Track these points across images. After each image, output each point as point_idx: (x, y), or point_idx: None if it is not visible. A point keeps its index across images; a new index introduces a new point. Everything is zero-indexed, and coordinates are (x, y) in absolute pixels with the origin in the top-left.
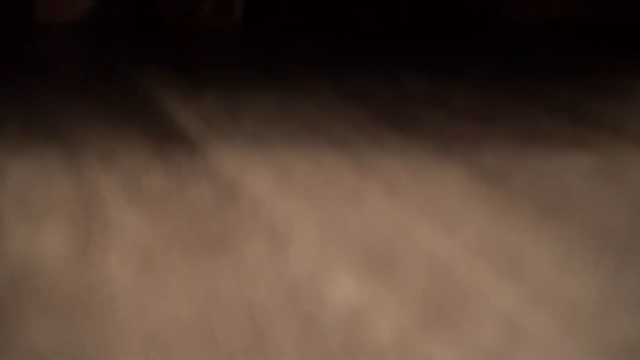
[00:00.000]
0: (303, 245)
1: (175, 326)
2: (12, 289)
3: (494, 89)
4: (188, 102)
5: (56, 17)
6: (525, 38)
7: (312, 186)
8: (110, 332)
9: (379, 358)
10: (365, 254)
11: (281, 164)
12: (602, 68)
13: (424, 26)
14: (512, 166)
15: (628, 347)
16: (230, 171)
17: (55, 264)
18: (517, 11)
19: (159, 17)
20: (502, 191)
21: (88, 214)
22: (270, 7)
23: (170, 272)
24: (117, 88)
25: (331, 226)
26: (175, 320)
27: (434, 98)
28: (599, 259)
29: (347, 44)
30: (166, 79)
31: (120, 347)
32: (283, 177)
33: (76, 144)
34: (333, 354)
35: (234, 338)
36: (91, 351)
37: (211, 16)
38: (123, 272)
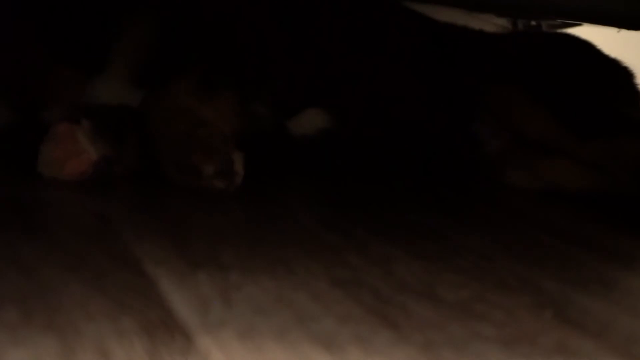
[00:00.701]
0: None
1: None
2: None
3: (483, 278)
4: (183, 284)
5: (59, 174)
6: (519, 206)
7: None
8: None
9: None
10: None
11: None
12: (594, 253)
13: (418, 191)
14: None
15: None
16: None
17: None
18: (514, 176)
19: (163, 173)
20: None
21: None
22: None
23: None
24: (116, 264)
25: None
26: None
27: (423, 289)
28: None
29: (345, 214)
30: (163, 253)
31: None
32: None
33: (72, 339)
34: None
35: None
36: None
37: (213, 178)
38: None
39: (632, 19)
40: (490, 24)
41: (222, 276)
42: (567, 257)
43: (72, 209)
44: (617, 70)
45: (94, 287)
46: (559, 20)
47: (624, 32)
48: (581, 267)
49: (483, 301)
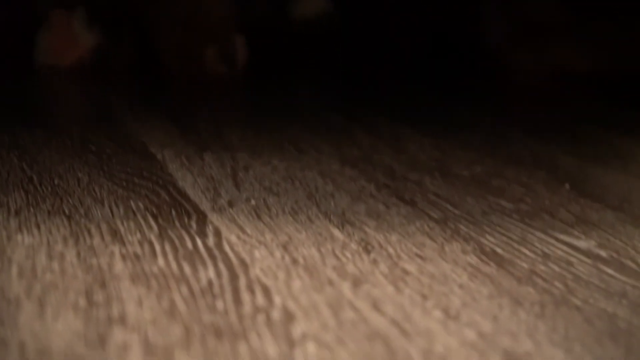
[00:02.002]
0: (305, 329)
1: None
2: None
3: (497, 155)
4: (192, 166)
5: (57, 61)
6: (530, 88)
7: (315, 267)
8: None
9: None
10: (368, 340)
11: (285, 242)
12: (606, 128)
13: (428, 72)
14: (517, 249)
15: None
16: (234, 249)
17: (64, 345)
18: (524, 59)
19: (162, 60)
20: (507, 276)
21: (95, 298)
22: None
23: (170, 359)
24: (122, 148)
25: (333, 310)
26: None
27: (437, 165)
28: (603, 347)
29: (351, 95)
30: (168, 137)
31: None
32: (286, 257)
33: (82, 222)
34: None
35: None
36: None
37: (214, 62)
38: (127, 356)
39: None
40: None
41: (230, 157)
42: (581, 134)
43: (73, 99)
44: None
45: (101, 171)
46: None
47: None
48: (597, 143)
49: (499, 176)
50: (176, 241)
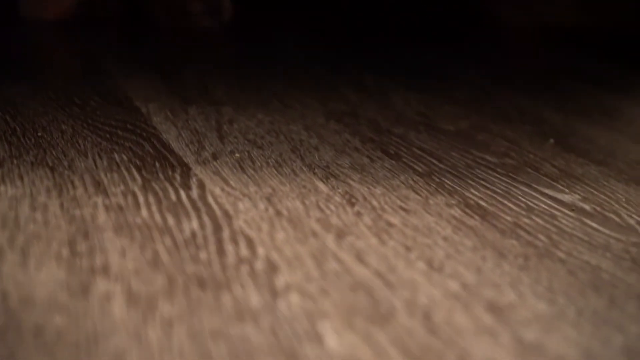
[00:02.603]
0: (288, 280)
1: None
2: (8, 317)
3: (482, 110)
4: (176, 119)
5: (42, 14)
6: (516, 43)
7: (299, 219)
8: None
9: None
10: (352, 291)
11: (268, 195)
12: (592, 84)
13: (416, 28)
14: (501, 202)
15: None
16: (218, 201)
17: (47, 294)
18: (509, 14)
19: (148, 13)
20: (491, 229)
21: (78, 248)
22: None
23: (152, 308)
24: (106, 101)
25: (317, 261)
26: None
27: (423, 120)
28: (586, 298)
29: (337, 51)
30: (153, 91)
31: None
32: (270, 209)
33: (65, 174)
34: None
35: None
36: None
37: (200, 14)
38: (110, 305)
39: None
40: None
41: (214, 111)
42: (567, 89)
43: (58, 52)
44: None
45: (85, 124)
46: None
47: None
48: (582, 99)
49: (484, 131)
50: (160, 193)
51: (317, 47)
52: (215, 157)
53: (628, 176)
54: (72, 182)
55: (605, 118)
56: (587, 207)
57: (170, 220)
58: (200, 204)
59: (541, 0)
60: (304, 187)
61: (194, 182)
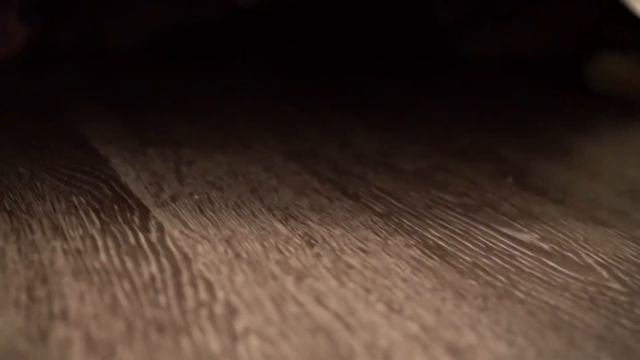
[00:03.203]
0: (248, 324)
1: None
2: None
3: (442, 149)
4: (135, 160)
5: None
6: (477, 76)
7: (258, 261)
8: None
9: None
10: (312, 334)
11: (228, 237)
12: (550, 119)
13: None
14: (460, 242)
15: None
16: (177, 244)
17: (6, 341)
18: (472, 46)
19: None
20: (450, 269)
21: (36, 293)
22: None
23: (111, 354)
24: (63, 142)
25: (276, 304)
26: None
27: (382, 159)
28: (545, 339)
29: (299, 87)
30: (111, 132)
31: None
32: (229, 252)
33: (23, 218)
34: None
35: None
36: None
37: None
38: (70, 351)
39: None
40: None
41: (174, 152)
42: (526, 126)
43: (12, 90)
44: None
45: (43, 167)
46: None
47: None
48: (541, 135)
49: (443, 170)
50: (118, 236)
51: (281, 83)
52: (174, 199)
53: (586, 215)
54: (30, 226)
55: (562, 155)
56: (545, 246)
57: (129, 264)
58: (159, 247)
59: (504, 29)
60: (263, 229)
61: (152, 225)
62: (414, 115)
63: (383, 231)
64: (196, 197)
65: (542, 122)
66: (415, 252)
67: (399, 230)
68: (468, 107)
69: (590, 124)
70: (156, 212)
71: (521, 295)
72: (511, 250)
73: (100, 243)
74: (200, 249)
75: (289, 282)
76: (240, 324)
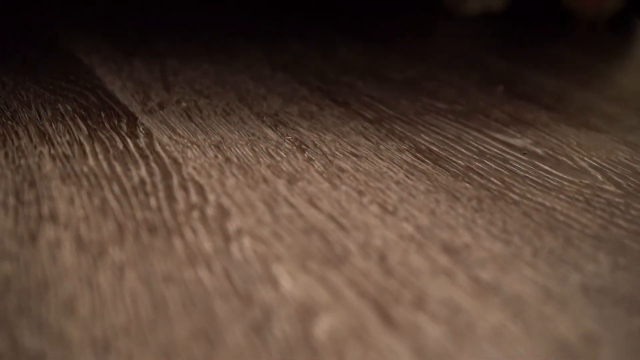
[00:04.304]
0: (240, 225)
1: (108, 310)
2: None
3: (429, 59)
4: (120, 70)
5: None
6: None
7: (249, 165)
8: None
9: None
10: (305, 234)
11: (217, 142)
12: (537, 34)
13: None
14: (452, 147)
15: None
16: (166, 149)
17: None
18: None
19: None
20: (443, 173)
21: (25, 196)
22: None
23: (103, 254)
24: (46, 52)
25: (268, 206)
26: (108, 307)
27: (369, 69)
28: (542, 239)
29: (283, 4)
30: (95, 42)
31: (60, 324)
32: (219, 156)
33: (10, 126)
34: (278, 340)
35: (176, 318)
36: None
37: None
38: (60, 252)
39: None
40: None
41: (159, 62)
42: (511, 37)
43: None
44: None
45: (27, 76)
46: None
47: None
48: (527, 46)
49: (432, 79)
50: (106, 142)
51: (262, 18)
52: (161, 106)
53: (578, 121)
54: (17, 133)
55: (549, 64)
56: (539, 150)
57: (118, 169)
58: (148, 152)
59: None
60: (253, 134)
61: (140, 131)
62: (396, 26)
63: (374, 136)
64: (184, 104)
65: (526, 35)
66: (407, 156)
67: (391, 136)
68: (450, 20)
69: (576, 38)
70: (144, 119)
71: (516, 197)
72: (505, 155)
73: (88, 148)
74: (189, 153)
75: (281, 185)
76: (232, 225)
